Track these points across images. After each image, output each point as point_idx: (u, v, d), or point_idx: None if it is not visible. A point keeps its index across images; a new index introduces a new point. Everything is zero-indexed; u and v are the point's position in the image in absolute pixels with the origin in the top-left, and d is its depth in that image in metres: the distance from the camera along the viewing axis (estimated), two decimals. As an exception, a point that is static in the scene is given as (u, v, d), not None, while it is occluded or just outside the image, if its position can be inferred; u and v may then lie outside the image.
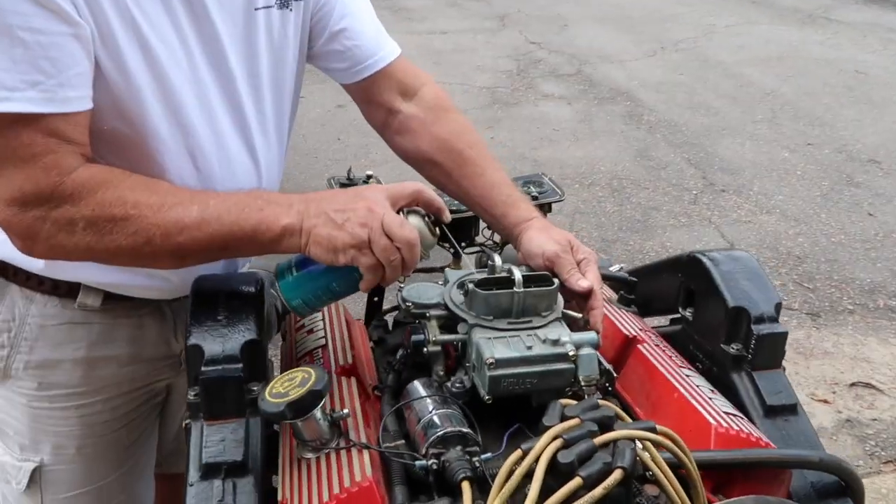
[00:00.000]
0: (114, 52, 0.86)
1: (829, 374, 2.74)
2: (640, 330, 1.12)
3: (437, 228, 0.95)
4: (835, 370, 2.76)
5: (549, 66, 5.94)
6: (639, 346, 1.07)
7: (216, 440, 0.85)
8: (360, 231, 0.85)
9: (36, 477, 1.11)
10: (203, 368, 0.86)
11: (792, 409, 1.00)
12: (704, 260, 1.09)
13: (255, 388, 0.87)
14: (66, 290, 1.04)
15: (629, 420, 0.83)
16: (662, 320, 1.24)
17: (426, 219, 0.93)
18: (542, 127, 4.84)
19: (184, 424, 0.89)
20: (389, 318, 1.26)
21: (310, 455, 0.84)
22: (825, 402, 2.60)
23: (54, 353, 1.06)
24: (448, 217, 0.94)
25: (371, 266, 0.87)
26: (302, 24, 1.10)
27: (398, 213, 0.90)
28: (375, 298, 1.35)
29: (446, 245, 1.28)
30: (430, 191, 0.94)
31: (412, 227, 0.88)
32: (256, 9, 1.00)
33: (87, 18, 0.83)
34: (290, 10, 1.05)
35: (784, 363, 1.04)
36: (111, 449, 1.14)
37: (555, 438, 0.73)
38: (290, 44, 1.08)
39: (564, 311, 0.99)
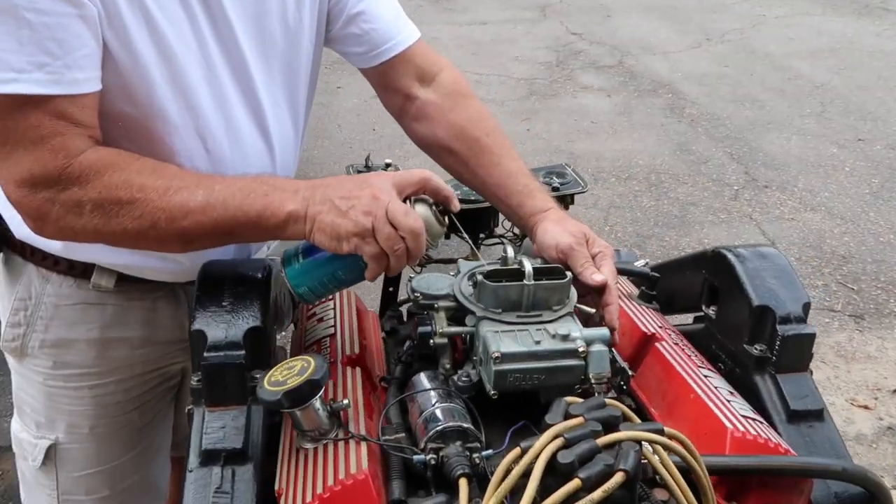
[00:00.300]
0: (121, 33, 0.86)
1: (871, 379, 2.63)
2: (660, 327, 1.07)
3: (446, 218, 0.92)
4: (878, 375, 2.65)
5: (590, 58, 5.83)
6: (657, 343, 1.03)
7: (217, 427, 0.84)
8: (363, 219, 0.83)
9: (51, 454, 1.13)
10: (205, 354, 0.86)
11: (818, 414, 0.95)
12: (729, 256, 1.04)
13: (258, 376, 0.86)
14: (80, 271, 1.05)
15: (637, 420, 0.79)
16: (688, 318, 1.20)
17: (433, 208, 0.90)
18: (579, 119, 4.75)
19: (187, 410, 0.89)
20: (404, 309, 1.24)
21: (308, 445, 0.82)
22: (866, 408, 2.50)
23: (69, 333, 1.07)
24: (457, 206, 0.92)
25: (374, 255, 0.85)
26: (319, 7, 1.08)
27: (405, 201, 0.87)
28: (391, 289, 1.33)
29: (465, 236, 1.25)
30: (438, 178, 0.91)
31: (417, 215, 0.85)
32: None
33: (94, -1, 0.83)
34: None
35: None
36: (124, 430, 1.15)
37: (555, 437, 0.71)
38: (306, 27, 1.06)
39: (578, 305, 0.95)
